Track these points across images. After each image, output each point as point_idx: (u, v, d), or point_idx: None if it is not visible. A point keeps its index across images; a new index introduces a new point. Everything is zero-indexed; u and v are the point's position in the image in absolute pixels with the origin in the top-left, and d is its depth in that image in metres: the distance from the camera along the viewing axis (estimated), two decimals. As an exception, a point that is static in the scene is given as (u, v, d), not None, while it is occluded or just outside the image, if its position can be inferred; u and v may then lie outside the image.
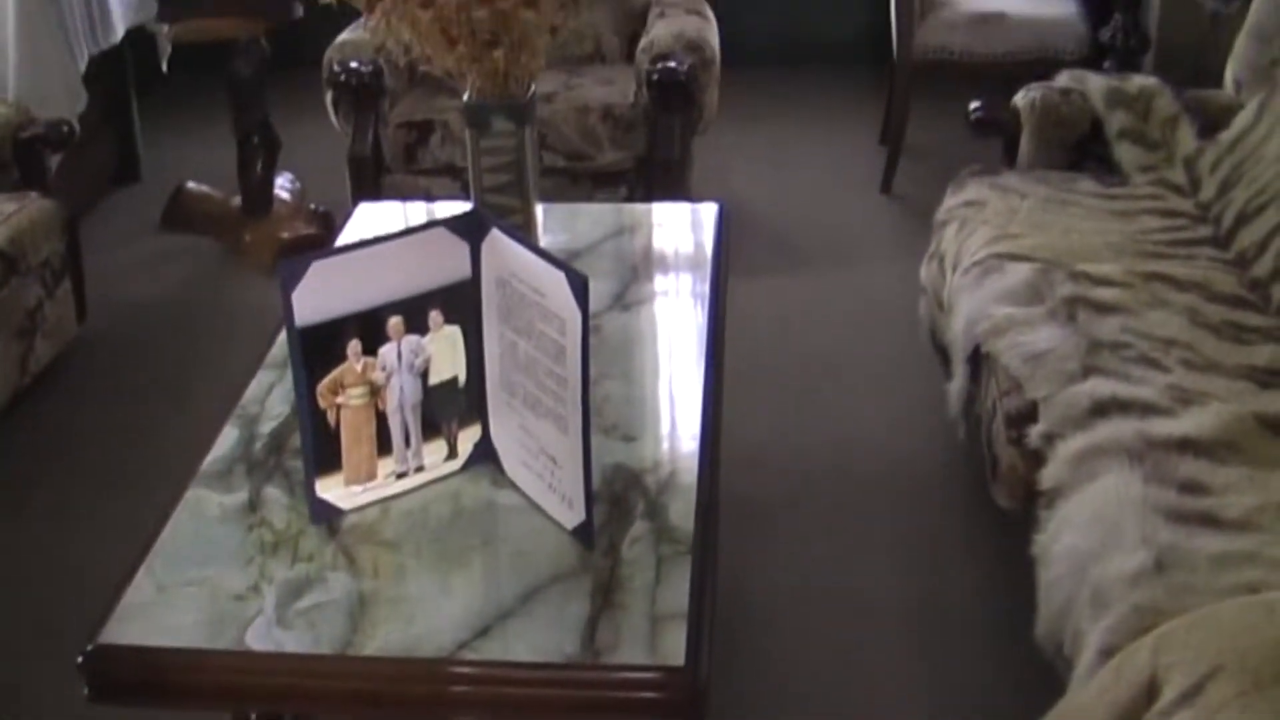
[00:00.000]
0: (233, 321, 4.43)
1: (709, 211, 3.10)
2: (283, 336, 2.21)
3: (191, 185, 5.21)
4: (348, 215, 3.31)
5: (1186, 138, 3.69)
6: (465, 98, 2.68)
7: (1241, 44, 3.86)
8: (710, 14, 4.76)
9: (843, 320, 4.36)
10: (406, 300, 2.07)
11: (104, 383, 4.15)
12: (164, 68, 4.88)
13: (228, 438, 2.35)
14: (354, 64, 4.41)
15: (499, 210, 2.66)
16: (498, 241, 2.04)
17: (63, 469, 3.75)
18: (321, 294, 2.00)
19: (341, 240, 3.05)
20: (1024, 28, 4.95)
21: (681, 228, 3.16)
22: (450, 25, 2.56)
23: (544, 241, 2.83)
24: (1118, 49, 4.78)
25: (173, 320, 4.50)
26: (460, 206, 3.02)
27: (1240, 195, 3.38)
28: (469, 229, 2.08)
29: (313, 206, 5.00)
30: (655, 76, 4.34)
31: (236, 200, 5.01)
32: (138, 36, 5.06)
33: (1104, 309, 2.98)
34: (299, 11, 4.69)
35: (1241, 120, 3.58)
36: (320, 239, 4.74)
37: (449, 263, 2.09)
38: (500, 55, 2.56)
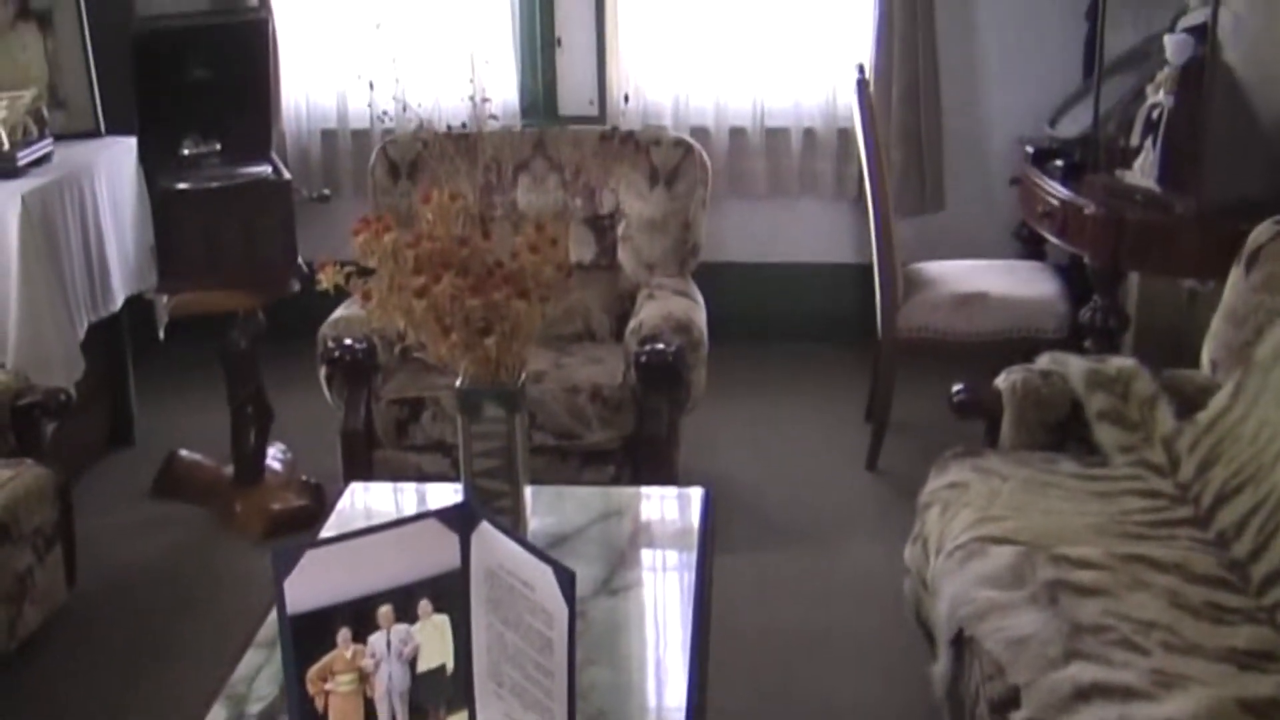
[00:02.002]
0: (222, 592, 4.43)
1: (695, 496, 3.15)
2: (272, 616, 2.24)
3: (184, 453, 5.25)
4: (339, 494, 3.35)
5: (1165, 418, 3.74)
6: (458, 383, 2.74)
7: (1217, 325, 3.95)
8: (698, 295, 4.87)
9: (828, 599, 4.37)
10: (396, 589, 2.10)
11: (91, 652, 4.14)
12: (161, 336, 4.97)
13: (215, 718, 2.35)
14: (348, 341, 4.50)
15: (489, 494, 2.71)
16: (487, 534, 2.09)
17: (48, 742, 3.72)
18: (313, 582, 2.03)
19: (332, 522, 3.09)
20: (1005, 308, 5.06)
21: (668, 513, 3.21)
22: (444, 314, 2.64)
23: (533, 525, 2.88)
24: (1097, 329, 4.86)
25: (162, 589, 4.50)
26: (451, 490, 3.07)
27: (1218, 475, 3.43)
28: (459, 521, 2.13)
29: (304, 478, 5.03)
30: (643, 358, 4.42)
31: (228, 469, 5.04)
32: (136, 303, 5.16)
33: (1085, 592, 3.01)
34: (296, 287, 4.78)
35: (1218, 401, 3.64)
36: (311, 511, 4.77)
37: (439, 553, 2.13)
38: (493, 343, 2.64)
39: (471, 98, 5.08)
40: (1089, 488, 3.56)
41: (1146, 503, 3.48)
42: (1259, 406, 3.44)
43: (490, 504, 2.72)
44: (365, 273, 2.78)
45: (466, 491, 2.78)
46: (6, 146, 4.73)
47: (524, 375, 2.73)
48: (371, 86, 4.95)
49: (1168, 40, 4.68)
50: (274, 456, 5.14)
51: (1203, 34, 4.56)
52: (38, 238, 4.52)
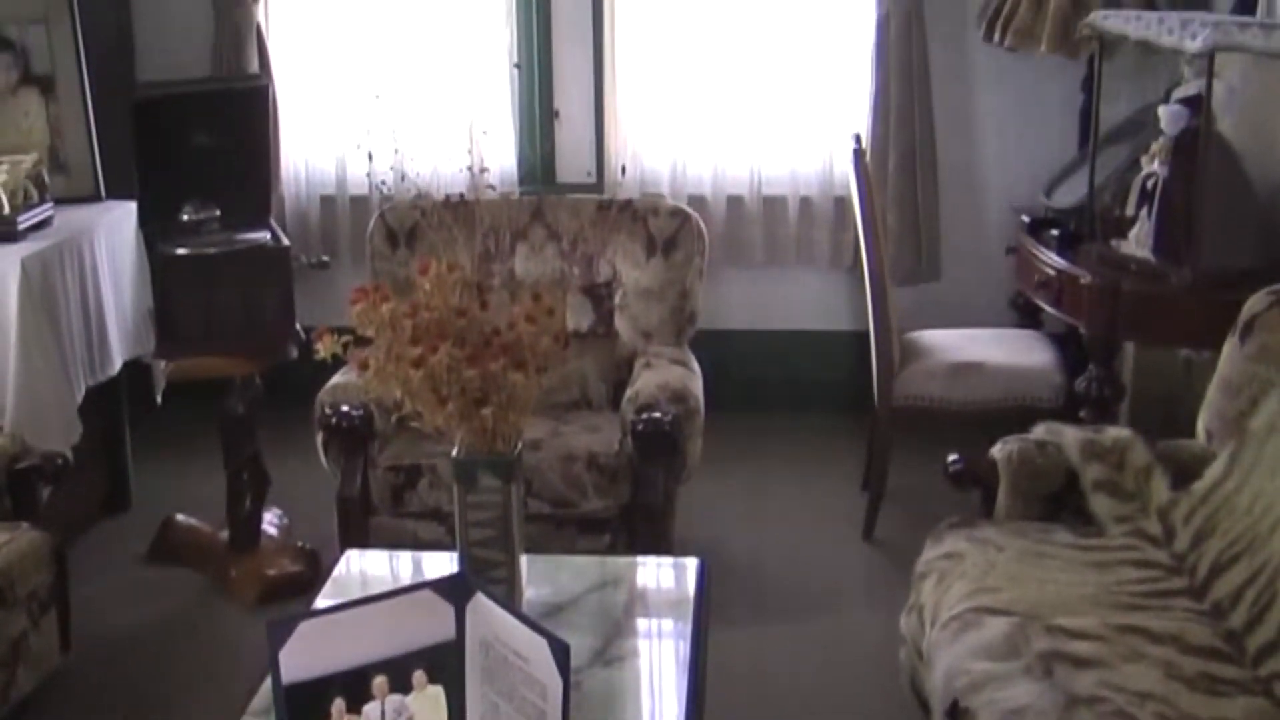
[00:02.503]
0: (217, 658, 4.42)
1: (690, 566, 3.16)
2: (266, 684, 2.24)
3: (180, 518, 5.25)
4: (334, 560, 3.35)
5: (1160, 488, 3.74)
6: (454, 453, 2.75)
7: (1211, 395, 3.95)
8: (695, 364, 4.88)
9: (823, 669, 4.36)
10: (391, 660, 2.11)
11: (85, 717, 4.12)
12: (158, 400, 4.98)
13: (209, 790, 2.35)
14: (345, 407, 4.51)
15: (484, 564, 2.71)
16: (482, 605, 2.09)
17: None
18: (308, 652, 2.04)
19: (328, 589, 3.09)
20: (1001, 377, 5.07)
21: (664, 582, 3.21)
22: (441, 384, 2.65)
23: (528, 594, 2.88)
24: (1093, 398, 4.87)
25: (156, 654, 4.49)
26: (447, 559, 3.07)
27: (1214, 546, 3.43)
28: (455, 591, 2.13)
29: (300, 544, 5.03)
30: (640, 427, 4.43)
31: (224, 534, 5.04)
32: (134, 366, 5.16)
33: (1080, 663, 3.01)
34: (293, 353, 4.80)
35: (1213, 472, 3.64)
36: (307, 577, 4.76)
37: (434, 624, 2.14)
38: (489, 414, 2.65)
39: (470, 167, 5.10)
40: (1084, 558, 3.56)
41: (1142, 573, 3.48)
42: (1254, 477, 3.45)
43: (486, 573, 2.72)
44: (363, 341, 2.80)
45: (462, 562, 2.78)
46: (7, 210, 4.75)
47: (520, 445, 2.74)
48: (370, 158, 4.98)
49: (1162, 111, 4.71)
50: (270, 522, 5.14)
51: (1197, 105, 4.59)
52: (37, 302, 4.54)
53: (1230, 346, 3.88)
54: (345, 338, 2.76)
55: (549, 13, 6.11)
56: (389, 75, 6.10)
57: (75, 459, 4.50)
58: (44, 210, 4.90)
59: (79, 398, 4.77)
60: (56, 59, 5.22)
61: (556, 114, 6.16)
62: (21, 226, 4.75)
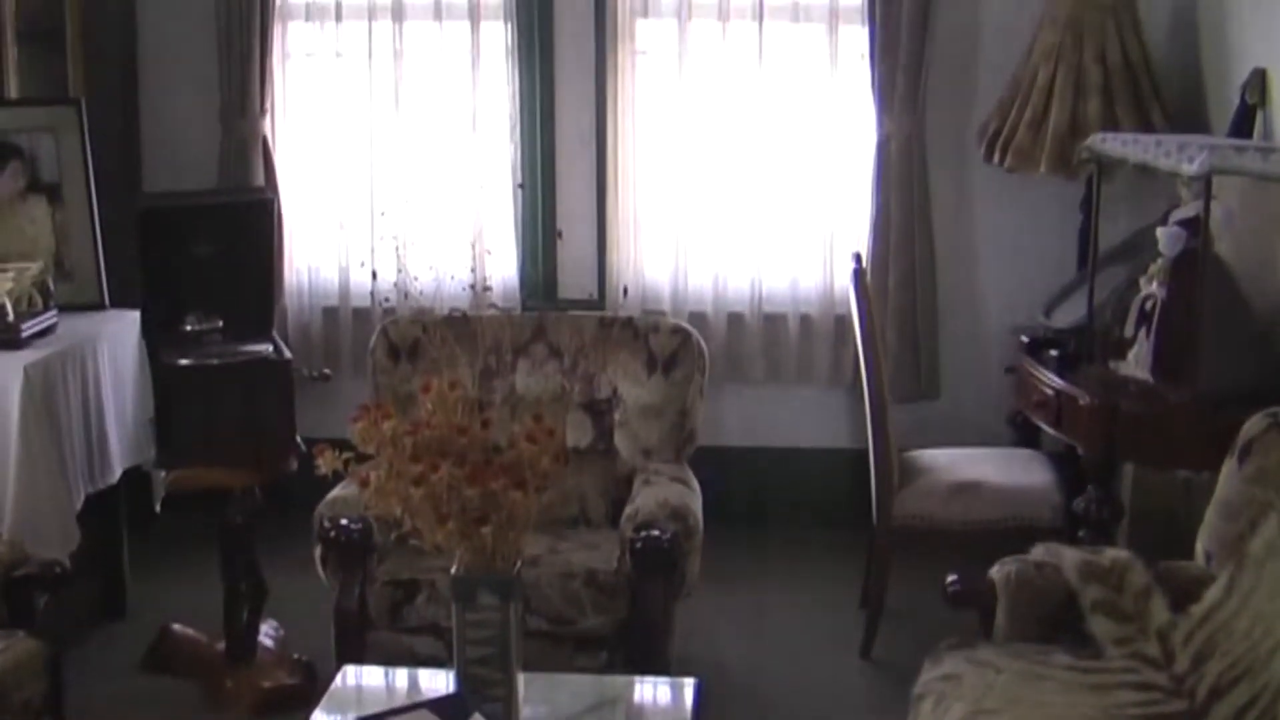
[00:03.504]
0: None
1: (687, 687, 3.15)
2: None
3: (176, 627, 5.23)
4: (331, 673, 3.33)
5: (1159, 610, 3.73)
6: (452, 571, 2.75)
7: (1210, 517, 3.95)
8: (694, 482, 4.88)
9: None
10: (387, 781, 2.10)
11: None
12: (157, 509, 4.97)
13: None
14: (344, 521, 4.50)
15: (482, 682, 2.70)
16: (479, 727, 2.09)
17: None
18: (303, 773, 2.03)
19: (324, 704, 3.08)
20: (1000, 497, 5.07)
21: (660, 702, 3.20)
22: (441, 502, 2.66)
23: (525, 714, 2.86)
24: (1092, 519, 4.87)
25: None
26: (444, 676, 3.06)
27: (1214, 669, 3.42)
28: (452, 711, 2.13)
29: (296, 656, 5.00)
30: (638, 545, 4.41)
31: (220, 645, 5.01)
32: (133, 474, 5.16)
33: (1080, 789, 2.99)
34: (294, 465, 4.80)
35: (1212, 594, 3.63)
36: (303, 690, 4.73)
37: (430, 744, 2.13)
38: (488, 533, 2.65)
39: (473, 286, 5.15)
40: (1083, 680, 3.54)
41: (1141, 695, 3.46)
42: (1254, 600, 3.44)
43: (483, 692, 2.71)
44: (363, 458, 2.81)
45: (459, 680, 2.78)
46: (11, 318, 4.76)
47: (520, 564, 2.74)
48: (374, 276, 5.03)
49: (1160, 233, 4.74)
50: (266, 633, 5.11)
51: (1195, 227, 4.62)
52: (38, 409, 4.55)
53: (1228, 468, 3.88)
54: (346, 454, 2.77)
55: (553, 132, 6.19)
56: (394, 191, 6.18)
57: (72, 566, 4.48)
58: (48, 318, 4.92)
59: (78, 505, 4.77)
60: (64, 167, 5.26)
61: (559, 234, 6.21)
62: (25, 334, 4.77)
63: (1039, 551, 3.98)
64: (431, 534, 2.69)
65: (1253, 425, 3.85)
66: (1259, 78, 5.00)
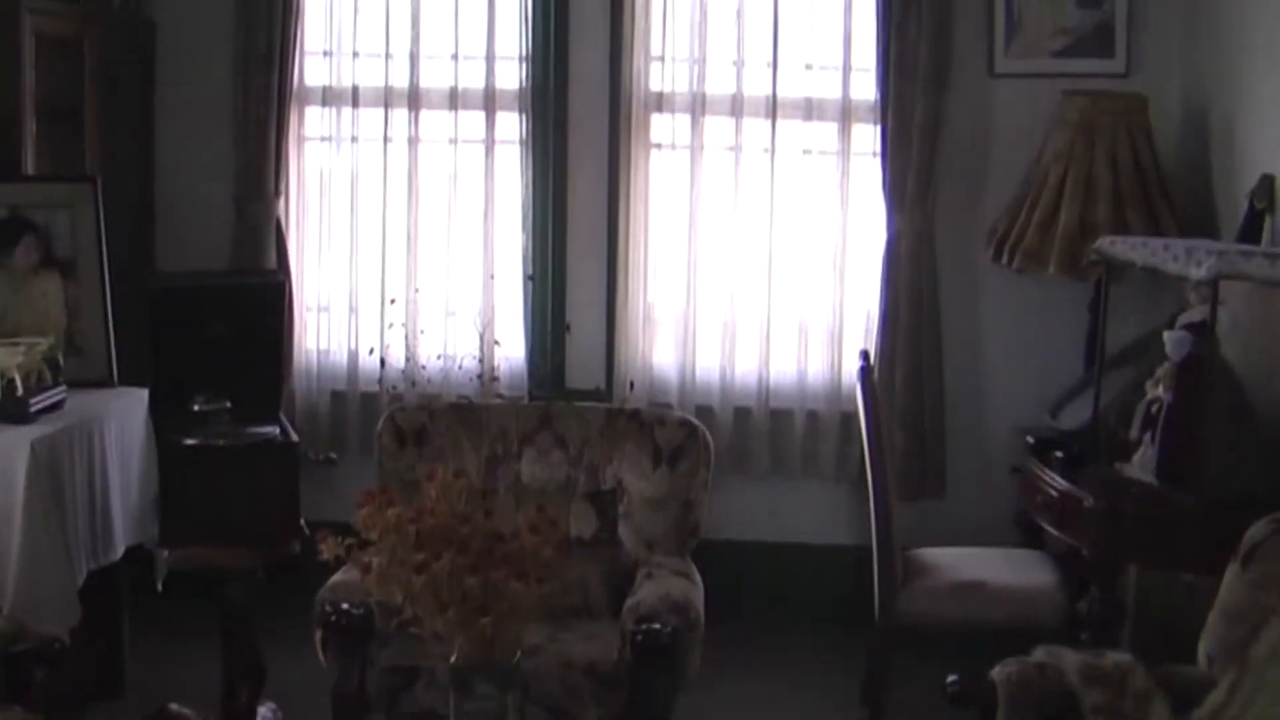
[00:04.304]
0: None
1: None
2: None
3: (173, 706, 5.18)
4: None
5: (1161, 714, 3.71)
6: (452, 660, 2.75)
7: (1213, 621, 3.94)
8: (697, 576, 4.87)
9: None
10: None
11: None
12: (159, 587, 4.96)
13: None
14: (345, 605, 4.49)
15: (478, 774, 2.69)
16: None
17: None
18: None
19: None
20: (1003, 597, 5.05)
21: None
22: (442, 591, 2.66)
23: (520, 805, 2.85)
24: (1095, 621, 4.86)
25: None
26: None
27: (1215, 775, 3.41)
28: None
29: (293, 738, 5.00)
30: (639, 638, 4.39)
31: (218, 726, 5.00)
32: (136, 551, 5.15)
33: None
34: (296, 548, 4.80)
35: (1214, 698, 3.62)
36: (299, 774, 4.73)
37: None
38: (489, 623, 2.65)
39: (480, 376, 5.16)
40: (1084, 785, 3.53)
41: (1142, 800, 3.44)
42: (1255, 705, 3.43)
43: (479, 782, 2.70)
44: (366, 543, 2.81)
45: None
46: (20, 392, 4.76)
47: (519, 654, 2.74)
48: (382, 364, 5.05)
49: (1167, 336, 4.75)
50: (264, 715, 5.09)
51: (1201, 331, 4.63)
52: (44, 484, 4.54)
53: (1232, 573, 3.87)
54: (349, 541, 2.77)
55: (564, 224, 6.24)
56: (404, 277, 6.21)
57: (71, 642, 4.47)
58: (56, 393, 4.92)
59: (80, 581, 4.76)
60: (78, 244, 5.28)
61: (567, 327, 6.23)
62: (34, 408, 4.76)
63: (1041, 653, 3.96)
64: (432, 622, 2.69)
65: (1257, 530, 3.85)
66: (1267, 184, 5.03)
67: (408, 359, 5.93)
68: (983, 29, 6.11)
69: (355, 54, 6.27)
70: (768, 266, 6.19)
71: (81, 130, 5.72)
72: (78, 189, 5.33)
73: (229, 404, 4.87)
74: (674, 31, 6.17)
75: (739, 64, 6.15)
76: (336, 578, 4.63)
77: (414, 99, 6.22)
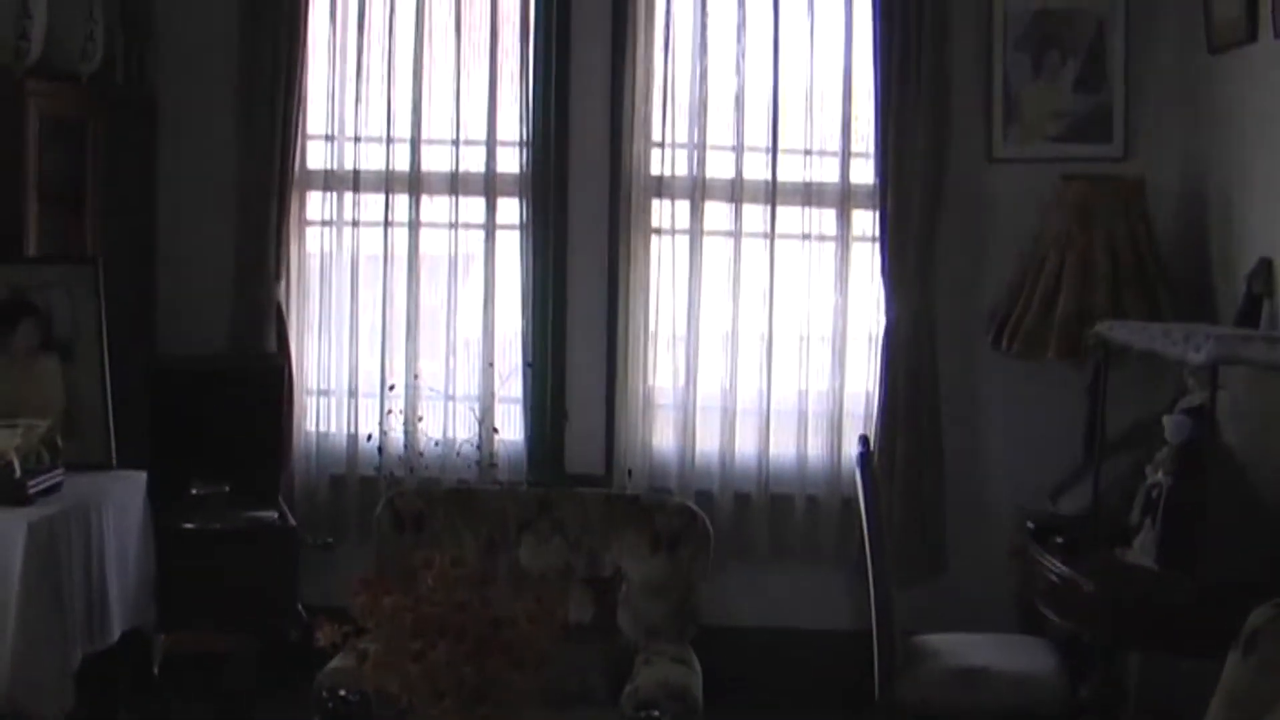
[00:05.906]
0: None
1: None
2: None
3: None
4: None
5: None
6: (448, 752, 2.73)
7: (1215, 708, 3.90)
8: (696, 663, 4.85)
9: None
10: None
11: None
12: (155, 671, 4.94)
13: None
14: (343, 693, 4.46)
15: None
16: None
17: None
18: None
19: None
20: (1004, 684, 5.01)
21: None
22: (439, 679, 2.65)
23: None
24: (1096, 706, 4.83)
25: None
26: None
27: None
28: None
29: (288, 821, 4.95)
30: (637, 723, 4.39)
31: (214, 812, 4.97)
32: (132, 635, 5.12)
33: None
34: (293, 634, 4.78)
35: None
36: None
37: None
38: (486, 712, 2.64)
39: (479, 461, 5.16)
40: None
41: None
42: (1260, 795, 3.41)
43: None
44: (364, 629, 2.80)
45: None
46: (19, 474, 4.77)
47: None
48: (380, 452, 5.04)
49: (1167, 421, 4.75)
50: (261, 801, 5.07)
51: (1201, 415, 4.63)
52: (41, 567, 4.54)
53: (1234, 659, 3.85)
54: (346, 628, 2.76)
55: (564, 310, 6.24)
56: (404, 363, 6.21)
57: (67, 726, 4.46)
58: (55, 476, 4.92)
59: (75, 665, 4.74)
60: (78, 325, 5.29)
61: (566, 417, 6.22)
62: (31, 490, 4.77)
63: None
64: (429, 710, 2.68)
65: (1258, 616, 3.82)
66: (1265, 268, 5.04)
67: (406, 444, 5.92)
68: (981, 114, 6.14)
69: (357, 138, 6.30)
70: (767, 351, 6.19)
71: (83, 211, 5.74)
72: (79, 270, 5.35)
73: (227, 487, 4.88)
74: (674, 117, 6.20)
75: (738, 149, 6.18)
76: (334, 663, 4.61)
77: (415, 183, 6.25)
